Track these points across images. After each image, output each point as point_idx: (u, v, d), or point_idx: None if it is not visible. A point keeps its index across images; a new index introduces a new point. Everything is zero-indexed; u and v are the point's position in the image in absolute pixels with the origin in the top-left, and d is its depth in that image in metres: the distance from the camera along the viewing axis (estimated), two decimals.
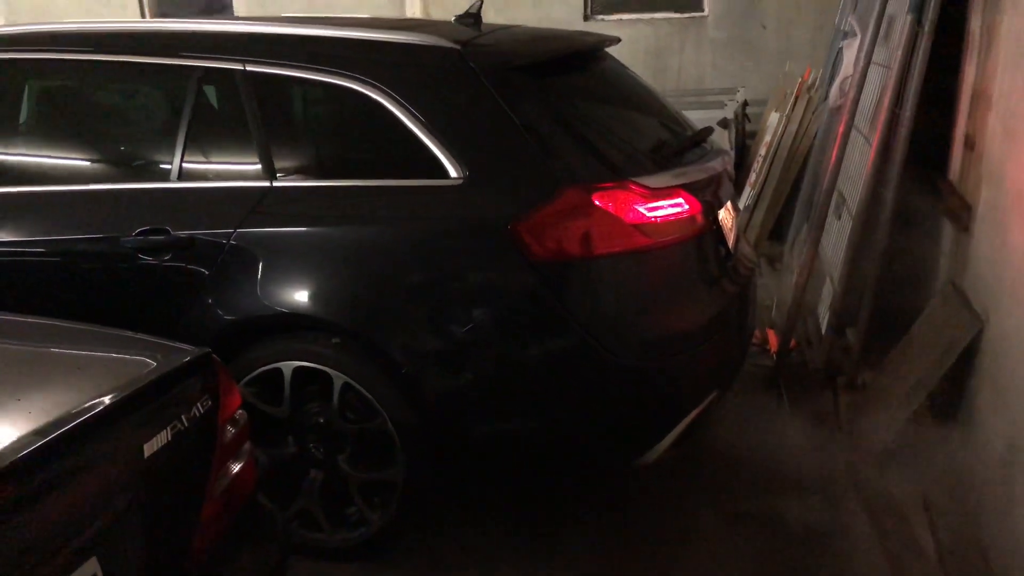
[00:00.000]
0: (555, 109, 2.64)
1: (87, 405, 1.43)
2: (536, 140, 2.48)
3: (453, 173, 2.46)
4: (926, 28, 3.28)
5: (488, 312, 2.47)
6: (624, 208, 2.42)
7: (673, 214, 2.51)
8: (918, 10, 3.32)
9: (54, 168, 2.98)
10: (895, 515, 2.90)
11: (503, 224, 2.39)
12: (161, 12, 9.66)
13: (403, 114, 2.51)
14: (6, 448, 1.32)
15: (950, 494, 2.89)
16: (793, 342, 4.04)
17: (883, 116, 3.44)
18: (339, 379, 2.53)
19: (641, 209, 2.43)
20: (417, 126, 2.50)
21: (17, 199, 2.84)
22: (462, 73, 2.54)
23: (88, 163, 3.00)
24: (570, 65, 2.89)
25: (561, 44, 2.97)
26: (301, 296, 2.54)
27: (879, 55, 3.81)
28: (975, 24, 3.25)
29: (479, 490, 3.02)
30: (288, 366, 2.58)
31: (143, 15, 9.58)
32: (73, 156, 3.03)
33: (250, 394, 2.59)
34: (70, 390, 1.52)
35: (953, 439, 3.01)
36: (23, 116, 3.02)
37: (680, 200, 2.53)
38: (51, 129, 3.13)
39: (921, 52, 3.31)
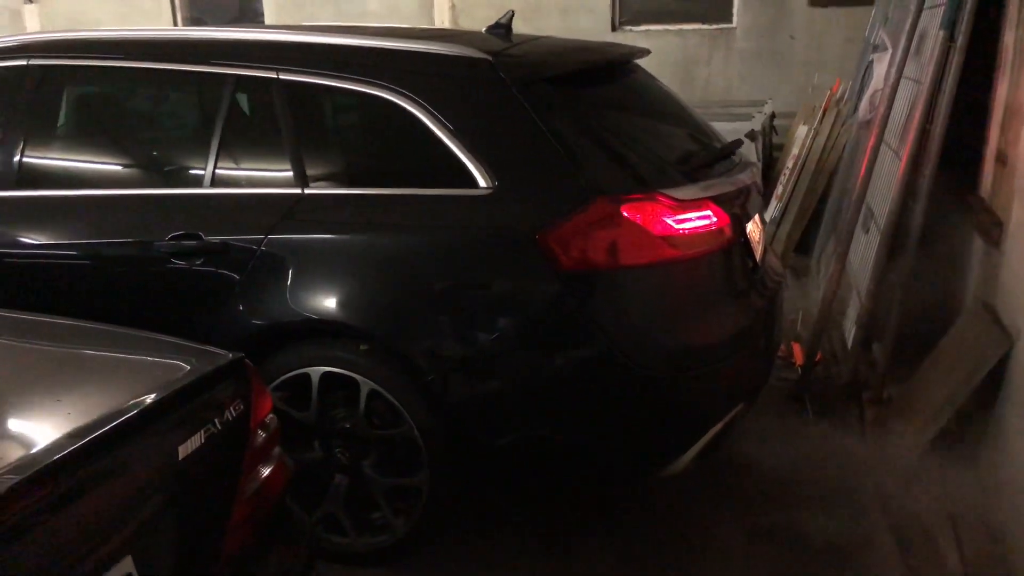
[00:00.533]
0: (584, 120, 2.65)
1: (124, 407, 1.46)
2: (565, 151, 2.49)
3: (482, 183, 2.48)
4: (958, 43, 3.27)
5: (514, 321, 2.49)
6: (652, 220, 2.42)
7: (701, 226, 2.51)
8: (950, 25, 3.31)
9: (90, 173, 3.03)
10: (920, 531, 2.88)
11: (531, 234, 2.40)
12: (193, 20, 9.80)
13: (433, 123, 2.54)
14: (46, 448, 1.35)
15: (977, 511, 2.87)
16: (819, 356, 4.02)
17: (913, 130, 3.43)
18: (366, 385, 2.56)
19: (669, 221, 2.44)
20: (447, 135, 2.52)
21: (54, 203, 2.90)
22: (493, 83, 2.56)
23: (123, 168, 3.05)
24: (600, 76, 2.90)
25: (591, 56, 2.99)
26: (330, 302, 2.56)
27: (910, 69, 3.79)
28: (1008, 39, 3.23)
29: (501, 498, 3.03)
30: (316, 371, 2.60)
31: (175, 23, 9.72)
32: (108, 161, 3.09)
33: (278, 399, 2.62)
34: (108, 392, 1.55)
35: (981, 456, 2.98)
36: (61, 121, 3.07)
37: (708, 212, 2.53)
38: (88, 134, 3.19)
39: (953, 67, 3.30)
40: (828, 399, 3.80)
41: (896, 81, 3.70)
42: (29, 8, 10.00)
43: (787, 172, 5.85)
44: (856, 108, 5.06)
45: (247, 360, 1.78)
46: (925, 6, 3.66)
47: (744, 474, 3.24)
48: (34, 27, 9.86)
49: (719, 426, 2.65)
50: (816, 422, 3.62)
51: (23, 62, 2.94)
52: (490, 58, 2.60)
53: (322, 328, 2.59)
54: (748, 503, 3.07)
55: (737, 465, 3.27)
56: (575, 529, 2.95)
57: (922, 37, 3.73)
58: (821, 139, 5.71)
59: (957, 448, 3.06)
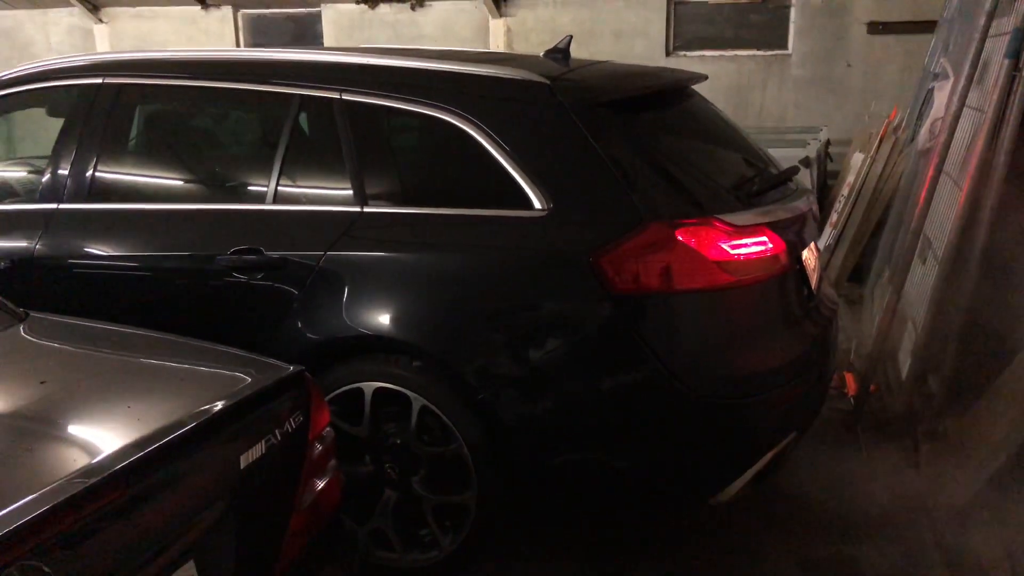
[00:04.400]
0: (641, 144, 2.66)
1: (189, 416, 1.50)
2: (621, 174, 2.51)
3: (537, 204, 2.51)
4: (1023, 72, 3.22)
5: (566, 342, 2.50)
6: (707, 244, 2.42)
7: (756, 252, 2.50)
8: (1015, 54, 3.26)
9: (157, 187, 3.13)
10: (977, 570, 2.80)
11: (585, 256, 2.41)
12: (255, 42, 10.05)
13: (491, 145, 2.57)
14: (115, 454, 1.40)
15: None
16: (873, 387, 3.96)
17: (975, 160, 3.38)
18: (418, 402, 2.58)
19: (724, 246, 2.44)
20: (504, 157, 2.56)
21: (123, 216, 2.99)
22: (551, 107, 2.59)
23: (189, 183, 3.14)
24: (657, 101, 2.91)
25: (649, 81, 3.01)
26: (385, 319, 2.60)
27: (972, 98, 3.74)
28: None
29: (550, 521, 3.02)
30: (369, 387, 2.64)
31: (238, 44, 9.97)
32: (175, 176, 3.18)
33: (331, 412, 2.65)
34: (174, 401, 1.60)
35: None
36: (133, 138, 3.18)
37: (764, 238, 2.52)
38: (156, 151, 3.29)
39: (1018, 96, 3.24)
40: (882, 431, 3.73)
41: (958, 109, 3.65)
42: (99, 28, 10.35)
43: (842, 199, 5.79)
44: (914, 136, 5.00)
45: (307, 373, 1.82)
46: (989, 34, 3.61)
47: (796, 505, 3.19)
48: (104, 46, 10.20)
49: (770, 455, 2.62)
50: (869, 454, 3.56)
51: (98, 80, 3.05)
52: (548, 82, 2.63)
53: (376, 344, 2.63)
54: (800, 534, 3.02)
55: (789, 495, 3.23)
56: (625, 555, 2.93)
57: (986, 65, 3.68)
58: (878, 167, 5.65)
59: (1016, 486, 2.98)
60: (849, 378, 4.22)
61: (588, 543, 2.99)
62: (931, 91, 4.57)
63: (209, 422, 1.49)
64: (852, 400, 3.96)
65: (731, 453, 2.59)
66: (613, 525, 3.07)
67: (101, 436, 1.52)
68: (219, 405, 1.55)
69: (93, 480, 1.29)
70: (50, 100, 3.33)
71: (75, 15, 10.31)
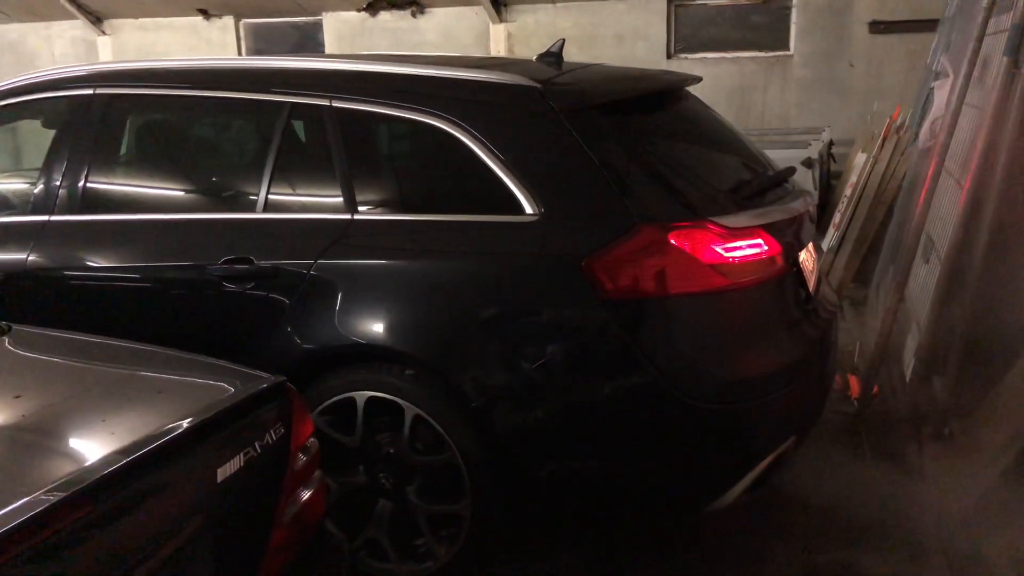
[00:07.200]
0: (634, 148, 2.63)
1: (165, 428, 1.48)
2: (613, 178, 2.48)
3: (529, 210, 2.48)
4: (1023, 70, 3.18)
5: (560, 349, 2.46)
6: (701, 248, 2.39)
7: (752, 255, 2.47)
8: (1015, 51, 3.22)
9: (148, 198, 3.12)
10: (983, 574, 2.75)
11: (577, 261, 2.38)
12: (257, 51, 10.07)
13: (482, 151, 2.55)
14: (88, 467, 1.37)
15: None
16: (876, 389, 3.91)
17: (976, 158, 3.34)
18: (411, 410, 2.55)
19: (719, 249, 2.40)
20: (495, 163, 2.53)
21: (114, 226, 2.97)
22: (542, 111, 2.56)
23: (180, 193, 3.12)
24: (650, 104, 2.89)
25: (641, 83, 2.98)
26: (377, 327, 2.58)
27: (972, 96, 3.70)
28: None
29: (549, 530, 2.99)
30: (361, 396, 2.61)
31: (240, 54, 10.00)
32: (166, 186, 3.17)
33: (324, 422, 2.63)
34: (150, 413, 1.57)
35: None
36: (124, 148, 3.16)
37: (759, 241, 2.49)
38: (147, 160, 3.28)
39: (1017, 94, 3.20)
40: (886, 433, 3.68)
41: (958, 108, 3.61)
42: (103, 40, 10.40)
43: (845, 200, 5.74)
44: (917, 136, 4.95)
45: (289, 384, 1.79)
46: (988, 32, 3.57)
47: (798, 510, 3.15)
48: (107, 57, 10.25)
49: (769, 459, 2.58)
50: (873, 457, 3.52)
51: (89, 91, 3.04)
52: (539, 86, 2.60)
53: (368, 353, 2.61)
54: (803, 540, 2.99)
55: (791, 500, 3.19)
56: (624, 563, 2.89)
57: (985, 64, 3.64)
58: (880, 167, 5.60)
59: (1022, 488, 2.93)
60: (852, 380, 4.17)
61: (589, 553, 2.95)
62: (932, 90, 4.53)
63: (184, 435, 1.47)
64: (855, 402, 3.92)
65: (728, 459, 2.56)
66: (614, 534, 3.04)
67: (72, 451, 1.50)
68: (195, 417, 1.52)
69: (59, 496, 1.27)
70: (43, 112, 3.32)
71: (78, 27, 10.37)
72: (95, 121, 3.02)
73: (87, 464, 1.38)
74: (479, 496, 2.55)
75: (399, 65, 2.83)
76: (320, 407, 2.64)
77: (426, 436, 2.58)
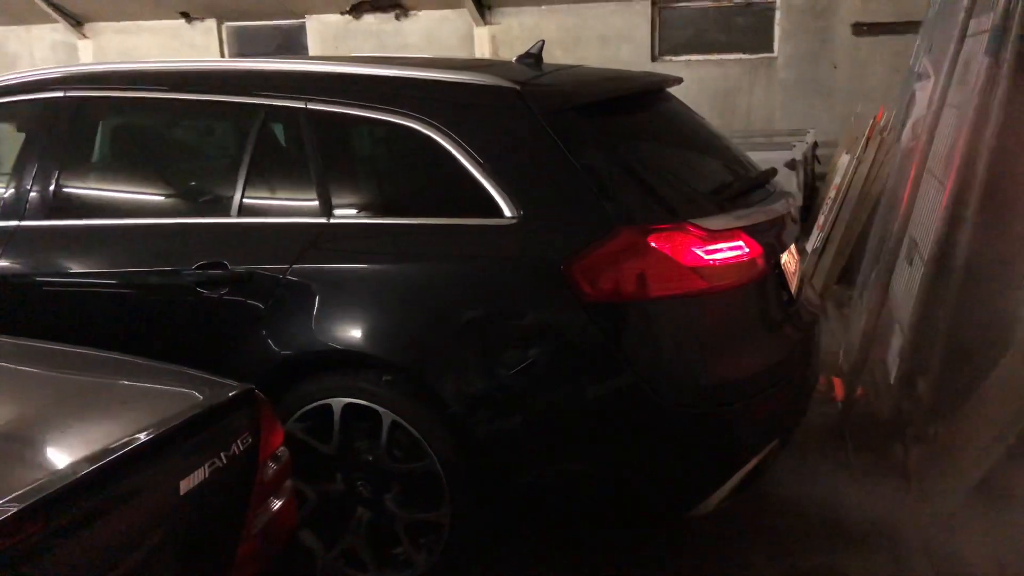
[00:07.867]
0: (613, 149, 2.60)
1: (125, 440, 1.43)
2: (593, 180, 2.45)
3: (508, 212, 2.44)
4: (1004, 70, 3.17)
5: (539, 353, 2.43)
6: (681, 250, 2.36)
7: (732, 257, 2.44)
8: (995, 52, 3.21)
9: (120, 202, 3.06)
10: None
11: (555, 264, 2.35)
12: (240, 54, 10.01)
13: (459, 153, 2.51)
14: (45, 480, 1.33)
15: None
16: (860, 391, 3.89)
17: (958, 159, 3.32)
18: (388, 417, 2.52)
19: (699, 251, 2.37)
20: (473, 165, 2.49)
21: (85, 232, 2.92)
22: (520, 113, 2.53)
23: (153, 198, 3.07)
24: (631, 105, 2.86)
25: (621, 84, 2.95)
26: (354, 332, 2.54)
27: (954, 97, 3.69)
28: None
29: (530, 538, 2.95)
30: (338, 402, 2.57)
31: (222, 56, 9.94)
32: (139, 191, 3.11)
33: (300, 429, 2.59)
34: (113, 423, 1.53)
35: None
36: (95, 152, 3.11)
37: (740, 243, 2.46)
38: (119, 165, 3.23)
39: (998, 94, 3.19)
40: (870, 435, 3.66)
41: (939, 109, 3.60)
42: (83, 43, 10.31)
43: (829, 202, 5.73)
44: (900, 137, 4.95)
45: (257, 392, 1.75)
46: (968, 33, 3.56)
47: (781, 514, 3.13)
48: (88, 61, 10.15)
49: (751, 464, 2.56)
50: (857, 460, 3.50)
51: (60, 94, 2.99)
52: (517, 87, 2.57)
53: (344, 358, 2.57)
54: (786, 544, 2.96)
55: (774, 504, 3.16)
56: (611, 564, 2.86)
57: (966, 64, 3.63)
58: (864, 168, 5.60)
59: (1006, 490, 2.92)
60: (837, 382, 4.16)
61: (570, 561, 2.92)
62: (914, 91, 4.52)
63: (144, 446, 1.42)
64: (840, 405, 3.90)
65: (711, 463, 2.53)
66: (597, 542, 3.01)
67: (35, 460, 1.45)
68: (156, 428, 1.48)
69: (19, 506, 1.22)
70: (15, 115, 3.26)
71: (59, 31, 10.28)
72: (66, 124, 2.97)
73: (46, 475, 1.33)
74: (458, 503, 2.52)
75: (375, 67, 2.79)
76: (297, 414, 2.60)
77: (404, 443, 2.54)
